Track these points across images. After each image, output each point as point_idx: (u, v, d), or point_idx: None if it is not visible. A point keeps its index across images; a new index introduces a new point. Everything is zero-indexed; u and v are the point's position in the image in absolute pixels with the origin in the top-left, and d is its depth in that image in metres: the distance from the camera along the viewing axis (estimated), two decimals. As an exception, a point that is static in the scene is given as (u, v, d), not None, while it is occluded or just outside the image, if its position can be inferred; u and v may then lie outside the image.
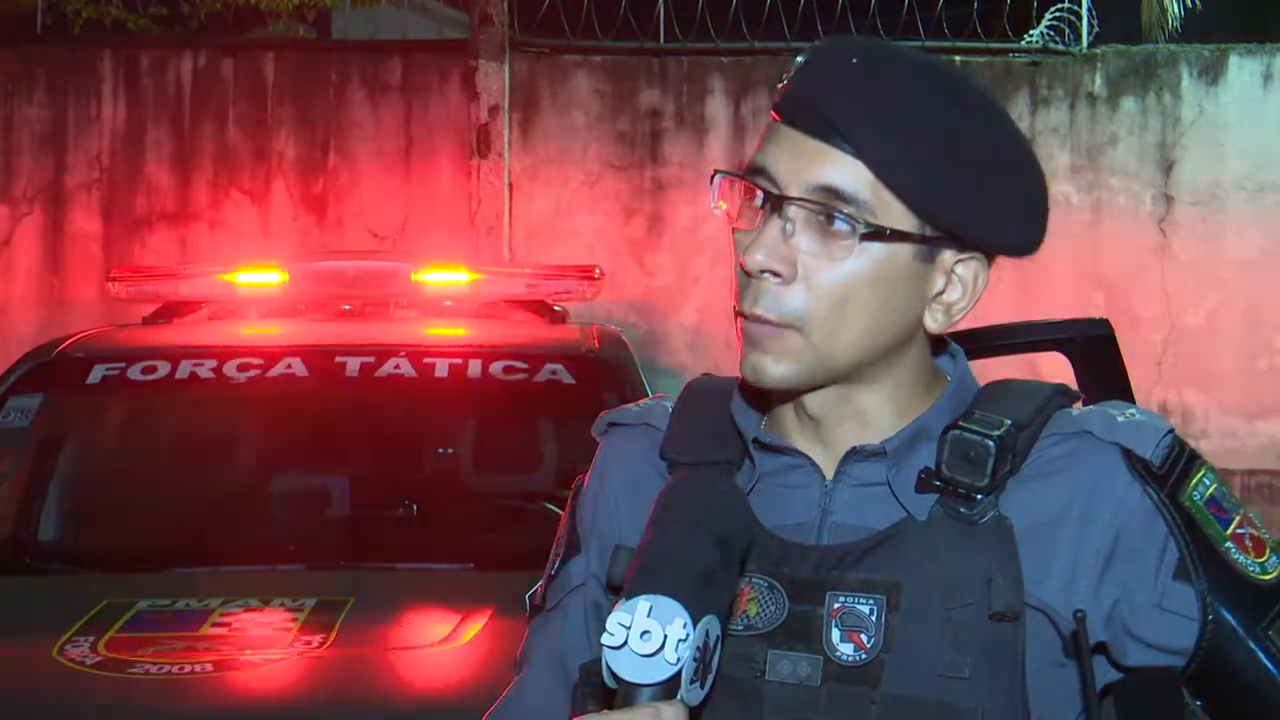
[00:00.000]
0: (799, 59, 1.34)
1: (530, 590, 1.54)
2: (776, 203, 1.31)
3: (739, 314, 1.34)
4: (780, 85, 1.34)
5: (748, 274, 1.32)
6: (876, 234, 1.29)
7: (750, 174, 1.34)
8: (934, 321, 1.36)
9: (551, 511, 3.68)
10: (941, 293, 1.35)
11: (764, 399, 1.41)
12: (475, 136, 8.74)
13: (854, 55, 1.31)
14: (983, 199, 1.31)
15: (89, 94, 8.92)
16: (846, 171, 1.29)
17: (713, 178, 1.37)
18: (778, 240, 1.30)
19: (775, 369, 1.33)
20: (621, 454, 1.50)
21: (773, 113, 1.34)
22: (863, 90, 1.29)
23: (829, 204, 1.29)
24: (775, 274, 1.30)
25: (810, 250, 1.30)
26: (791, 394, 1.38)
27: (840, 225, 1.29)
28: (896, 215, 1.30)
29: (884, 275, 1.31)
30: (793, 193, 1.30)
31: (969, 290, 1.36)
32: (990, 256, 1.37)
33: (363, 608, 3.06)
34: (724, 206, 1.37)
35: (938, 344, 1.44)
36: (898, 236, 1.30)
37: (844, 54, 1.31)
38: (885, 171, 1.28)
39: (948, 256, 1.34)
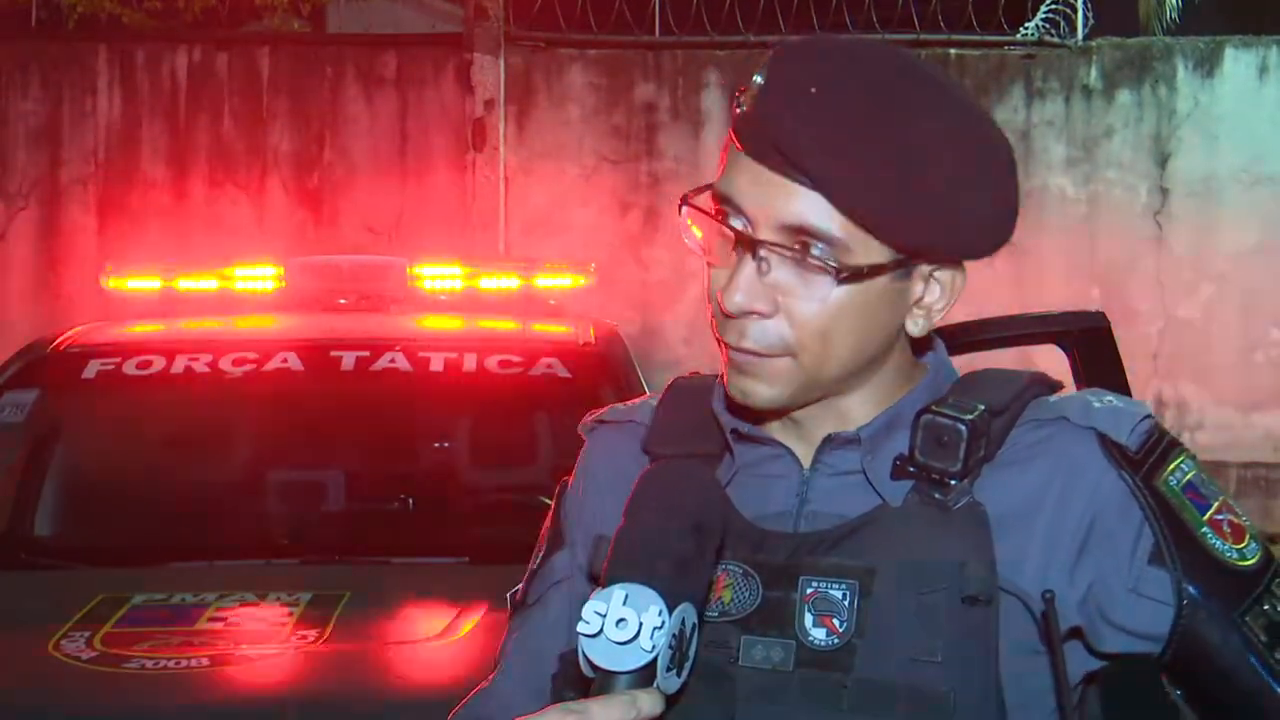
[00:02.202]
0: (756, 79, 1.30)
1: (512, 589, 1.54)
2: (749, 243, 1.29)
3: (724, 344, 1.34)
4: (737, 110, 1.31)
5: (727, 314, 1.31)
6: (854, 275, 1.29)
7: (719, 203, 1.32)
8: (915, 326, 1.36)
9: (547, 505, 3.68)
10: (921, 298, 1.35)
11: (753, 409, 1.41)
12: (471, 130, 8.74)
13: (812, 84, 1.27)
14: (953, 219, 1.30)
15: (84, 89, 8.92)
16: (814, 208, 1.27)
17: (680, 207, 1.36)
18: (754, 279, 1.30)
19: (767, 392, 1.34)
20: (605, 450, 1.51)
21: (734, 138, 1.32)
22: (822, 123, 1.26)
23: (801, 243, 1.28)
24: (756, 313, 1.30)
25: (787, 287, 1.30)
26: (782, 410, 1.38)
27: (815, 263, 1.28)
28: (870, 247, 1.29)
29: (864, 305, 1.31)
30: (763, 231, 1.29)
31: (947, 290, 1.36)
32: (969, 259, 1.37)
33: (359, 602, 3.06)
34: (697, 232, 1.36)
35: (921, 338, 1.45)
36: (874, 271, 1.29)
37: (801, 82, 1.27)
38: (852, 206, 1.27)
39: (924, 267, 1.34)
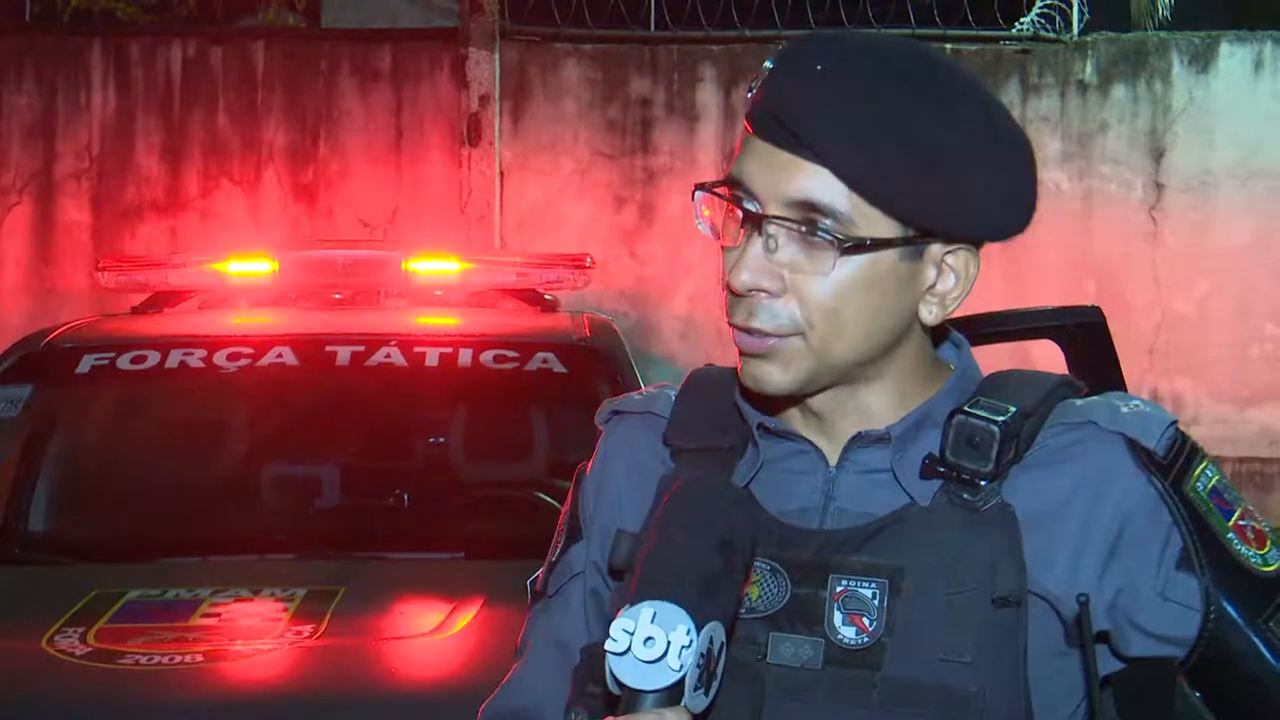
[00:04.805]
0: (766, 65, 1.33)
1: (531, 577, 1.54)
2: (756, 221, 1.30)
3: (734, 327, 1.34)
4: (749, 95, 1.33)
5: (735, 293, 1.32)
6: (857, 246, 1.29)
7: (729, 187, 1.33)
8: (929, 314, 1.35)
9: (542, 500, 3.68)
10: (934, 285, 1.35)
11: (767, 396, 1.40)
12: (466, 125, 8.73)
13: (818, 62, 1.29)
14: (961, 195, 1.30)
15: (78, 83, 8.89)
16: (820, 183, 1.28)
17: (694, 193, 1.37)
18: (761, 257, 1.30)
19: (778, 377, 1.33)
20: (624, 442, 1.50)
21: (745, 123, 1.33)
22: (827, 99, 1.28)
23: (807, 219, 1.29)
24: (763, 290, 1.31)
25: (795, 264, 1.30)
26: (795, 397, 1.37)
27: (821, 238, 1.29)
28: (876, 221, 1.29)
29: (872, 280, 1.31)
30: (771, 208, 1.30)
31: (961, 278, 1.35)
32: (980, 242, 1.37)
33: (354, 597, 3.06)
34: (707, 214, 1.37)
35: (940, 333, 1.44)
36: (879, 245, 1.29)
37: (808, 61, 1.30)
38: (856, 181, 1.28)
39: (936, 249, 1.33)
